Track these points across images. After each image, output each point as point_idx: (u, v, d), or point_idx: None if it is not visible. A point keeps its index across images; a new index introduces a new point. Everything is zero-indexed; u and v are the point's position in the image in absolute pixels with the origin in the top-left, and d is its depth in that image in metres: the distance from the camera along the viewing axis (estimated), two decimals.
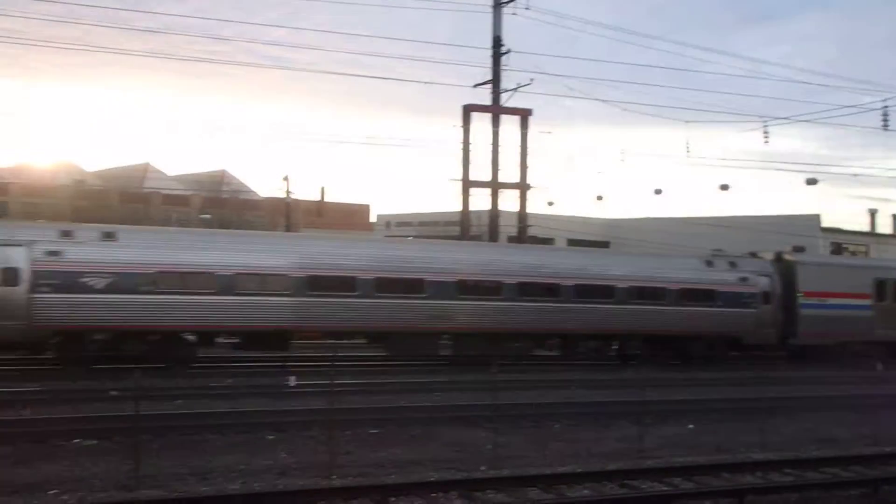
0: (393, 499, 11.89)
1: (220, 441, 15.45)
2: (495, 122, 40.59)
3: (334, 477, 13.00)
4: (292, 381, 19.84)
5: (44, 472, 13.02)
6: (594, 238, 55.40)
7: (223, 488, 12.23)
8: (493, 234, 40.26)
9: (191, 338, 25.71)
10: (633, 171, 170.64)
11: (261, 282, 25.68)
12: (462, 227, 40.75)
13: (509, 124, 41.09)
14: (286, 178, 51.01)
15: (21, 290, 23.25)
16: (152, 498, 11.47)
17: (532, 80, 40.08)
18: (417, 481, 12.82)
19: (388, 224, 77.51)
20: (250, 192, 77.27)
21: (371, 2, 68.15)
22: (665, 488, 13.19)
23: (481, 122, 40.87)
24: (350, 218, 76.31)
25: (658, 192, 60.13)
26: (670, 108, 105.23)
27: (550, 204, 49.83)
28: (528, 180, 40.98)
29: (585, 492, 12.85)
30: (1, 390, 19.82)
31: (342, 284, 26.58)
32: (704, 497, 12.76)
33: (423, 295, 27.46)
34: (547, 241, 48.28)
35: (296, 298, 25.84)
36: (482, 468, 13.95)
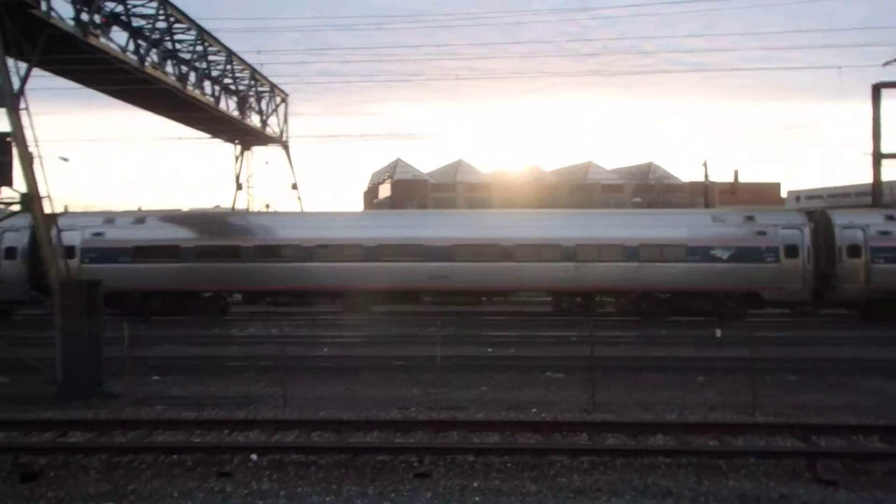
0: (814, 437, 10.98)
1: (658, 379, 15.48)
2: None
3: (758, 415, 12.36)
4: (718, 333, 19.16)
5: (527, 395, 14.20)
6: None
7: (663, 417, 12.29)
8: None
9: None
10: None
11: None
12: (874, 198, 35.87)
13: None
14: (704, 164, 49.08)
15: (861, 261, 24.92)
16: (607, 420, 11.87)
17: None
18: (839, 423, 11.65)
19: (798, 198, 70.69)
20: (673, 178, 75.66)
21: (783, 1, 62.70)
22: None
23: (892, 98, 35.64)
24: (761, 195, 70.83)
25: None
26: None
27: None
28: None
29: None
30: (489, 334, 21.91)
31: None
32: None
33: None
34: None
35: None
36: None
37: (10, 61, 15.61)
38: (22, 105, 15.57)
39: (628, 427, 11.40)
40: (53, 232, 26.46)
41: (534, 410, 12.80)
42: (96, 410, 13.07)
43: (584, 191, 69.28)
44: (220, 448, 10.51)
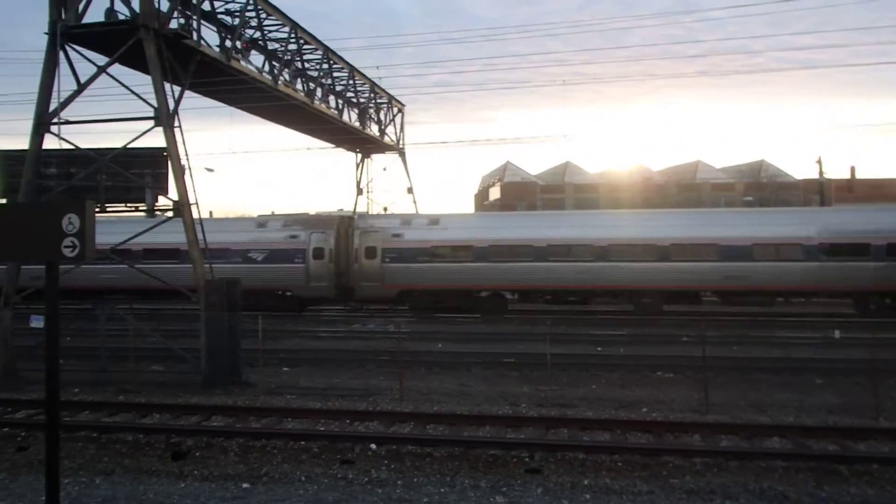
0: None
1: (773, 381, 14.50)
2: None
3: (882, 419, 11.34)
4: (836, 333, 17.79)
5: (636, 394, 13.63)
6: None
7: (779, 419, 11.47)
8: None
9: None
10: None
11: None
12: None
13: None
14: (819, 161, 45.96)
15: None
16: (720, 421, 11.20)
17: None
18: None
19: None
20: (786, 175, 71.20)
21: None
22: None
23: None
24: (881, 191, 65.50)
25: None
26: None
27: None
28: None
29: None
30: (591, 332, 21.26)
31: None
32: None
33: None
34: None
35: None
36: None
37: (167, 86, 16.67)
38: (175, 123, 16.57)
39: (742, 429, 10.72)
40: (356, 234, 27.58)
41: (644, 410, 12.26)
42: (234, 398, 13.62)
43: (693, 190, 66.39)
44: (343, 437, 10.66)
